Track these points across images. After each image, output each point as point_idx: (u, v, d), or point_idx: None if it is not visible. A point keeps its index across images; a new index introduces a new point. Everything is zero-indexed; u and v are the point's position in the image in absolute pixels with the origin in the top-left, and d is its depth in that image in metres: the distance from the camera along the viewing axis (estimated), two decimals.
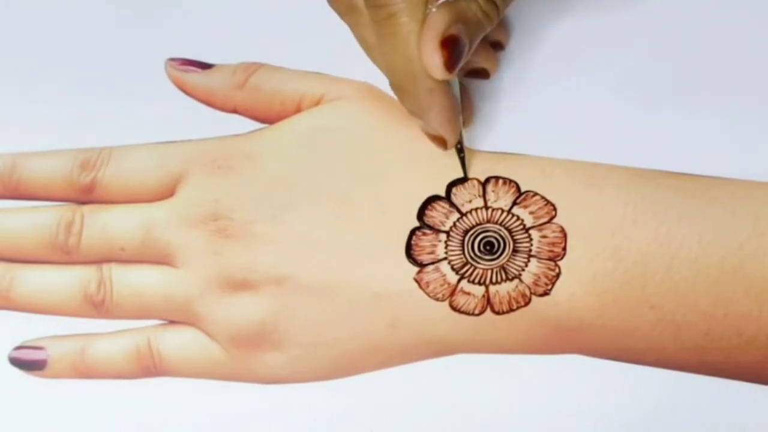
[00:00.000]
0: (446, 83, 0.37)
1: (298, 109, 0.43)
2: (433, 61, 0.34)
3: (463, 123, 0.40)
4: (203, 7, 0.45)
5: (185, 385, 0.42)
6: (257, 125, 0.44)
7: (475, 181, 0.41)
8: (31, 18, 0.46)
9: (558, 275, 0.40)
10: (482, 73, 0.42)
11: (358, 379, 0.42)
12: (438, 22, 0.34)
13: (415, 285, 0.40)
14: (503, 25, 0.43)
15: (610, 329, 0.39)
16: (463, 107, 0.40)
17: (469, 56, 0.36)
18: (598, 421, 0.40)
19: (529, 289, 0.40)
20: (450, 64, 0.35)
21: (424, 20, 0.35)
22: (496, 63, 0.43)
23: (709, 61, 0.41)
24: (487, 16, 0.36)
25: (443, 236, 0.41)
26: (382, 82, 0.40)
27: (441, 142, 0.39)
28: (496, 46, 0.43)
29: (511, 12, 0.43)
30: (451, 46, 0.35)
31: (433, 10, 0.34)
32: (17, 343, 0.43)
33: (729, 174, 0.40)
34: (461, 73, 0.41)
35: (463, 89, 0.40)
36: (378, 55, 0.38)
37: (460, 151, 0.40)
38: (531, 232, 0.40)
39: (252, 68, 0.44)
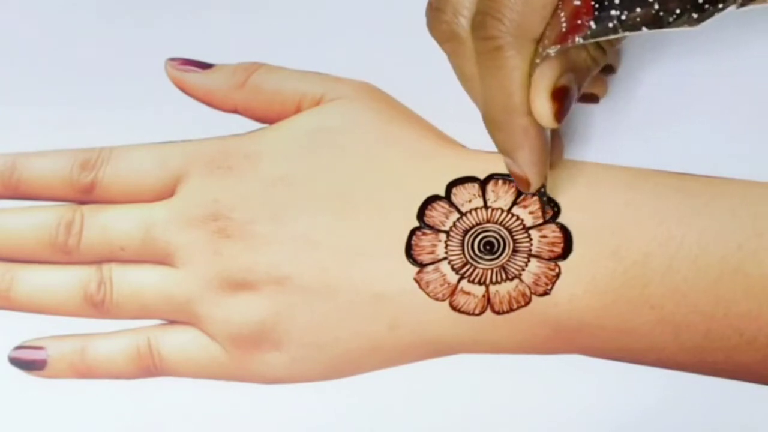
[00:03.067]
0: (540, 125, 0.36)
1: (298, 109, 0.43)
2: (544, 111, 0.34)
3: (549, 166, 0.39)
4: (203, 8, 0.45)
5: (185, 385, 0.42)
6: (257, 125, 0.44)
7: (475, 181, 0.41)
8: (31, 18, 0.46)
9: (558, 275, 0.40)
10: (592, 98, 0.42)
11: (358, 379, 0.41)
12: (550, 71, 0.34)
13: (415, 285, 0.40)
14: (614, 50, 0.41)
15: (610, 329, 0.39)
16: (552, 148, 0.39)
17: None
18: (598, 421, 0.40)
19: (529, 289, 0.40)
20: (560, 114, 0.34)
21: (531, 58, 0.34)
22: (606, 87, 0.42)
23: (709, 61, 0.41)
24: (595, 62, 0.36)
25: (443, 236, 0.41)
26: (382, 82, 0.40)
27: (525, 184, 0.38)
28: (607, 69, 0.42)
29: None
30: (561, 97, 0.34)
31: (548, 52, 0.33)
32: (17, 343, 0.43)
33: (729, 174, 0.40)
34: None
35: (554, 131, 0.39)
36: (476, 87, 0.37)
37: (543, 194, 0.40)
38: (531, 231, 0.40)
39: (252, 68, 0.44)
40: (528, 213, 0.40)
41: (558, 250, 0.40)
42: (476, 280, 0.40)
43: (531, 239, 0.40)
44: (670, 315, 0.39)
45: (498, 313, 0.40)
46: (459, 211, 0.41)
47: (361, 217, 0.41)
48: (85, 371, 0.43)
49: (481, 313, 0.40)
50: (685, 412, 0.40)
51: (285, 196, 0.42)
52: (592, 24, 0.32)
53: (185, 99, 0.44)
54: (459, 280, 0.40)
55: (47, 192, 0.44)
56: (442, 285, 0.40)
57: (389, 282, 0.40)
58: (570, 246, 0.40)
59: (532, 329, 0.40)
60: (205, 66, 0.44)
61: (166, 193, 0.43)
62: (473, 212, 0.41)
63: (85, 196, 0.43)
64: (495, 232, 0.41)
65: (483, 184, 0.41)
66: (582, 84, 0.36)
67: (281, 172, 0.42)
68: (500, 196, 0.41)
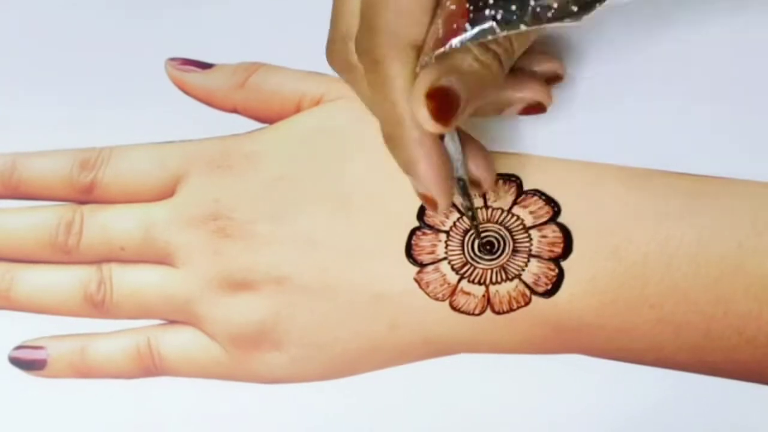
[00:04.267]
0: (437, 136, 0.34)
1: (298, 109, 0.43)
2: (421, 113, 0.32)
3: (479, 187, 0.38)
4: (203, 7, 0.45)
5: (185, 385, 0.42)
6: (257, 125, 0.44)
7: None
8: (31, 18, 0.46)
9: (558, 275, 0.40)
10: (538, 108, 0.40)
11: (358, 379, 0.41)
12: (428, 75, 0.33)
13: (415, 285, 0.40)
14: (554, 56, 0.41)
15: (610, 329, 0.39)
16: (475, 160, 0.37)
17: (473, 110, 0.34)
18: (598, 421, 0.40)
19: (530, 289, 0.40)
20: (440, 116, 0.32)
21: (412, 65, 0.33)
22: (550, 96, 0.40)
23: (709, 61, 0.41)
24: (486, 67, 0.34)
25: (443, 236, 0.41)
26: None
27: (431, 203, 0.36)
28: (554, 79, 0.40)
29: None
30: (439, 98, 0.32)
31: (426, 59, 0.32)
32: (17, 343, 0.43)
33: (729, 174, 0.40)
34: (515, 111, 0.40)
35: (469, 141, 0.38)
36: (374, 108, 0.36)
37: (473, 218, 0.39)
38: (531, 231, 0.40)
39: (252, 68, 0.44)
40: (528, 213, 0.40)
41: (558, 250, 0.40)
42: (476, 280, 0.40)
43: (531, 239, 0.40)
44: (669, 314, 0.39)
45: (498, 313, 0.40)
46: (459, 211, 0.41)
47: (361, 217, 0.41)
48: (85, 371, 0.43)
49: (481, 313, 0.40)
50: (685, 412, 0.40)
51: (285, 195, 0.42)
52: (467, 26, 0.31)
53: (185, 99, 0.44)
54: (459, 280, 0.40)
55: (47, 192, 0.44)
56: (442, 285, 0.40)
57: (389, 282, 0.40)
58: (570, 246, 0.40)
59: (532, 329, 0.40)
60: (205, 66, 0.44)
61: (166, 193, 0.43)
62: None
63: (85, 196, 0.43)
64: (495, 232, 0.41)
65: None
66: (476, 91, 0.33)
67: (281, 171, 0.42)
68: (500, 196, 0.41)
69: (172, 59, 0.45)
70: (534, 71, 0.39)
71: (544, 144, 0.41)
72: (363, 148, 0.42)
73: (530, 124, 0.41)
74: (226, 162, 0.42)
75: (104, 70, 0.45)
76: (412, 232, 0.41)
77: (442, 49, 0.32)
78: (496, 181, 0.41)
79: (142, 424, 0.42)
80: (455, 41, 0.32)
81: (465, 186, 0.37)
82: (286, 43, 0.44)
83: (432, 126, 0.32)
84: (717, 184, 0.40)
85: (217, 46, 0.44)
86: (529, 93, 0.39)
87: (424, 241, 0.41)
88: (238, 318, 0.41)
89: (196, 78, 0.44)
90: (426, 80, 0.33)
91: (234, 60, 0.44)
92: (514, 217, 0.41)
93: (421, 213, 0.41)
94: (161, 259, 0.42)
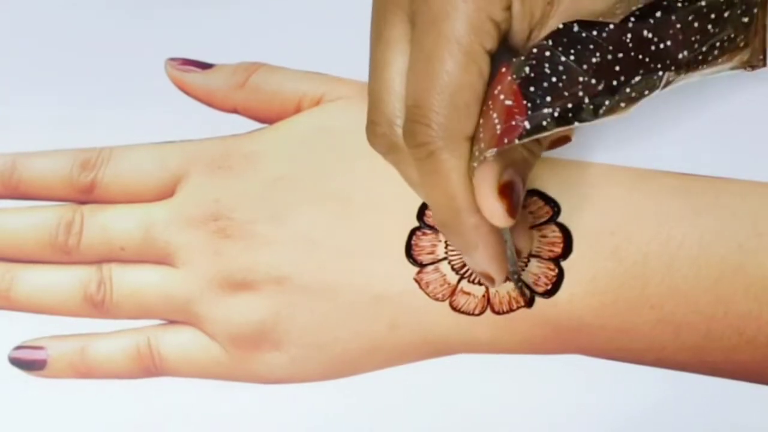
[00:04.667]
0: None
1: (298, 109, 0.43)
2: (497, 211, 0.33)
3: (519, 255, 0.39)
4: (203, 7, 0.45)
5: (185, 385, 0.42)
6: (257, 125, 0.44)
7: None
8: (31, 18, 0.46)
9: (558, 275, 0.40)
10: (563, 141, 0.40)
11: (358, 379, 0.41)
12: (491, 172, 0.33)
13: (415, 285, 0.40)
14: None
15: (610, 329, 0.39)
16: (519, 239, 0.38)
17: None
18: (598, 421, 0.40)
19: (530, 289, 0.40)
20: (512, 210, 0.33)
21: (466, 156, 0.33)
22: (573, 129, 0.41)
23: None
24: (532, 153, 0.35)
25: (443, 236, 0.41)
26: None
27: (489, 279, 0.36)
28: (563, 140, 0.40)
29: None
30: (509, 193, 0.33)
31: (486, 156, 0.33)
32: (17, 343, 0.43)
33: (729, 174, 0.40)
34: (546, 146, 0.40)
35: (521, 229, 0.39)
36: (422, 192, 0.36)
37: (518, 281, 0.39)
38: (531, 231, 0.40)
39: (252, 68, 0.44)
40: (528, 213, 0.40)
41: (558, 250, 0.40)
42: (476, 281, 0.40)
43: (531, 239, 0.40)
44: (669, 315, 0.39)
45: (498, 313, 0.40)
46: None
47: (361, 217, 0.41)
48: (85, 371, 0.43)
49: (481, 313, 0.40)
50: (685, 412, 0.40)
51: (285, 196, 0.42)
52: (526, 124, 0.32)
53: (185, 99, 0.44)
54: (459, 281, 0.40)
55: (47, 192, 0.44)
56: (442, 285, 0.40)
57: (389, 282, 0.40)
58: (570, 246, 0.40)
59: (532, 329, 0.40)
60: (205, 66, 0.44)
61: (166, 193, 0.43)
62: None
63: (85, 196, 0.43)
64: None
65: None
66: (526, 178, 0.35)
67: (281, 172, 0.42)
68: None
69: (172, 59, 0.45)
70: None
71: None
72: (363, 148, 0.41)
73: None
74: (226, 162, 0.42)
75: (104, 70, 0.45)
76: (412, 232, 0.41)
77: (504, 147, 0.32)
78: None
79: (142, 424, 0.42)
80: (516, 140, 0.32)
81: (512, 256, 0.38)
82: (286, 43, 0.44)
83: (506, 221, 0.33)
84: (717, 184, 0.40)
85: (217, 46, 0.44)
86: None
87: (424, 241, 0.41)
88: (238, 318, 0.41)
89: (196, 78, 0.44)
90: (491, 177, 0.33)
91: (234, 60, 0.44)
92: None
93: (421, 213, 0.41)
94: (161, 259, 0.42)
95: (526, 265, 0.40)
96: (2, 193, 0.44)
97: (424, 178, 0.34)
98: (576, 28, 0.32)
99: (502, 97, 0.32)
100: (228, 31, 0.45)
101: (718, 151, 0.40)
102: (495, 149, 0.32)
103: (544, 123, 0.32)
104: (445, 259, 0.41)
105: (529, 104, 0.32)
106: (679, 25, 0.32)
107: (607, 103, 0.32)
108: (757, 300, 0.38)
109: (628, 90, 0.32)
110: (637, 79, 0.32)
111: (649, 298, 0.39)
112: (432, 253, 0.41)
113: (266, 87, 0.44)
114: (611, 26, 0.32)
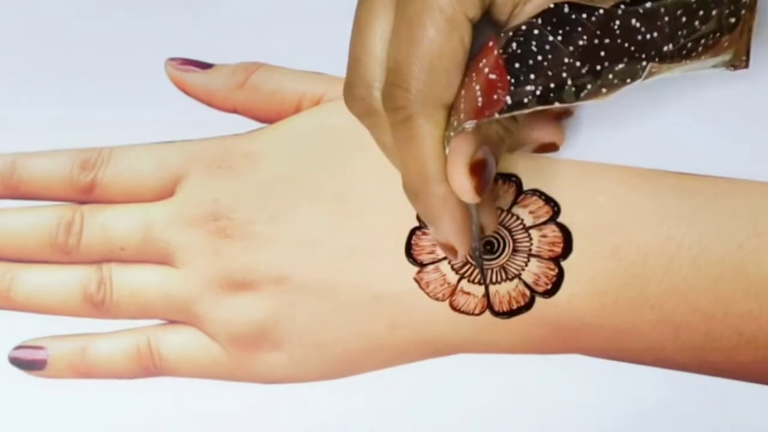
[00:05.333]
0: None
1: (297, 109, 0.43)
2: (465, 186, 0.33)
3: (483, 231, 0.38)
4: (203, 7, 0.45)
5: (185, 385, 0.42)
6: (257, 125, 0.44)
7: None
8: (31, 18, 0.46)
9: (558, 275, 0.40)
10: (550, 147, 0.40)
11: (358, 379, 0.41)
12: (466, 146, 0.33)
13: (415, 285, 0.40)
14: None
15: (610, 329, 0.39)
16: (486, 215, 0.38)
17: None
18: (598, 421, 0.40)
19: (530, 288, 0.40)
20: (480, 188, 0.33)
21: (442, 124, 0.33)
22: (563, 135, 0.40)
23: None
24: (508, 132, 0.35)
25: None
26: None
27: (451, 251, 0.36)
28: (565, 113, 0.41)
29: None
30: (480, 171, 0.33)
31: (464, 127, 0.32)
32: (17, 343, 0.43)
33: (729, 174, 0.40)
34: (528, 150, 0.40)
35: (488, 206, 0.38)
36: (394, 158, 0.36)
37: (478, 258, 0.39)
38: (531, 231, 0.40)
39: (252, 68, 0.44)
40: (528, 213, 0.40)
41: (558, 249, 0.40)
42: (476, 280, 0.40)
43: (531, 239, 0.40)
44: (669, 315, 0.39)
45: (498, 313, 0.40)
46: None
47: (361, 217, 0.41)
48: (85, 371, 0.43)
49: (481, 313, 0.40)
50: (685, 412, 0.40)
51: (285, 196, 0.42)
52: (508, 99, 0.32)
53: (185, 99, 0.44)
54: (459, 280, 0.40)
55: (47, 192, 0.44)
56: (442, 285, 0.40)
57: (389, 282, 0.40)
58: (570, 246, 0.40)
59: (532, 329, 0.40)
60: (205, 66, 0.44)
61: (166, 193, 0.43)
62: None
63: (85, 196, 0.43)
64: (495, 231, 0.41)
65: None
66: (498, 157, 0.35)
67: (281, 171, 0.42)
68: (500, 196, 0.41)
69: (172, 59, 0.45)
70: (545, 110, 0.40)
71: None
72: (363, 147, 0.41)
73: None
74: (226, 162, 0.42)
75: (104, 70, 0.45)
76: (412, 232, 0.41)
77: (483, 120, 0.32)
78: (496, 181, 0.41)
79: (142, 424, 0.42)
80: (495, 113, 0.32)
81: (476, 232, 0.38)
82: (286, 43, 0.44)
83: (473, 198, 0.33)
84: (717, 184, 0.40)
85: (217, 46, 0.44)
86: (543, 134, 0.39)
87: (424, 240, 0.41)
88: (238, 318, 0.41)
89: (196, 78, 0.44)
90: (466, 151, 0.33)
91: (234, 60, 0.44)
92: (514, 217, 0.41)
93: None
94: (161, 259, 0.42)
95: (526, 265, 0.40)
96: (2, 193, 0.44)
97: (398, 143, 0.34)
98: (566, 9, 0.32)
99: (486, 70, 0.32)
100: (228, 31, 0.45)
101: (717, 151, 0.40)
102: (474, 121, 0.32)
103: (526, 100, 0.32)
104: (445, 258, 0.41)
105: (512, 80, 0.32)
106: (667, 18, 0.32)
107: (589, 86, 0.32)
108: (757, 300, 0.38)
109: (610, 76, 0.32)
110: (621, 66, 0.32)
111: (649, 298, 0.39)
112: (432, 252, 0.41)
113: (266, 87, 0.44)
114: (601, 11, 0.32)
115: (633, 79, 0.32)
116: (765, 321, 0.38)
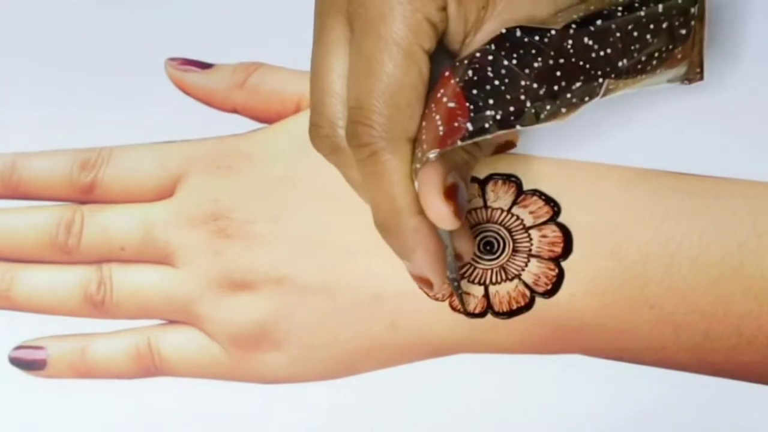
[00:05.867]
0: (431, 223, 0.34)
1: (297, 109, 0.43)
2: (444, 213, 0.33)
3: (461, 259, 0.38)
4: (203, 7, 0.45)
5: (185, 385, 0.42)
6: (257, 125, 0.44)
7: (475, 181, 0.41)
8: (31, 18, 0.46)
9: (558, 275, 0.40)
10: (508, 146, 0.40)
11: (358, 379, 0.41)
12: (435, 174, 0.33)
13: (415, 285, 0.40)
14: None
15: (610, 329, 0.39)
16: (461, 240, 0.38)
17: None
18: (598, 421, 0.40)
19: (530, 288, 0.40)
20: (458, 212, 0.33)
21: (408, 157, 0.33)
22: (517, 133, 0.40)
23: (709, 60, 0.41)
24: (472, 156, 0.35)
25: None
26: None
27: (427, 284, 0.36)
28: (507, 146, 0.41)
29: None
30: (454, 195, 0.33)
31: (428, 156, 0.32)
32: (17, 343, 0.43)
33: (729, 174, 0.40)
34: (487, 154, 0.39)
35: (463, 233, 0.38)
36: (363, 194, 0.36)
37: (458, 288, 0.39)
38: (531, 231, 0.40)
39: (252, 68, 0.44)
40: (528, 213, 0.40)
41: (558, 250, 0.40)
42: (476, 280, 0.40)
43: (531, 239, 0.40)
44: (669, 315, 0.39)
45: (498, 313, 0.40)
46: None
47: (361, 217, 0.41)
48: (85, 371, 0.43)
49: (481, 313, 0.40)
50: (685, 412, 0.40)
51: (285, 196, 0.42)
52: (469, 126, 0.32)
53: (185, 99, 0.44)
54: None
55: (47, 192, 0.44)
56: None
57: (389, 282, 0.40)
58: (570, 246, 0.40)
59: (532, 329, 0.40)
60: (205, 66, 0.44)
61: (166, 193, 0.43)
62: (473, 212, 0.41)
63: (85, 196, 0.43)
64: (495, 232, 0.41)
65: (482, 184, 0.41)
66: (467, 179, 0.35)
67: (281, 171, 0.42)
68: (500, 196, 0.41)
69: (172, 59, 0.45)
70: None
71: (544, 144, 0.41)
72: None
73: None
74: (225, 162, 0.42)
75: (104, 70, 0.45)
76: None
77: (446, 148, 0.32)
78: (496, 182, 0.41)
79: (142, 424, 0.42)
80: (457, 140, 0.32)
81: (452, 262, 0.38)
82: (286, 43, 0.44)
83: (454, 223, 0.33)
84: (717, 184, 0.40)
85: (217, 46, 0.44)
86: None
87: None
88: (238, 318, 0.41)
89: (196, 78, 0.44)
90: (436, 179, 0.33)
91: (234, 60, 0.44)
92: (514, 217, 0.41)
93: None
94: (161, 259, 0.42)
95: (526, 265, 0.40)
96: (2, 193, 0.44)
97: (365, 179, 0.34)
98: (519, 33, 0.32)
99: (445, 99, 0.33)
100: (228, 31, 0.45)
101: (717, 151, 0.40)
102: (437, 150, 0.32)
103: (487, 125, 0.32)
104: None
105: (471, 106, 0.32)
106: (618, 34, 0.33)
107: (548, 107, 0.32)
108: (757, 300, 0.38)
109: (568, 95, 0.32)
110: (578, 84, 0.32)
111: (649, 298, 0.39)
112: None
113: (266, 87, 0.44)
114: (553, 32, 0.32)
115: (591, 97, 0.33)
116: (765, 321, 0.38)
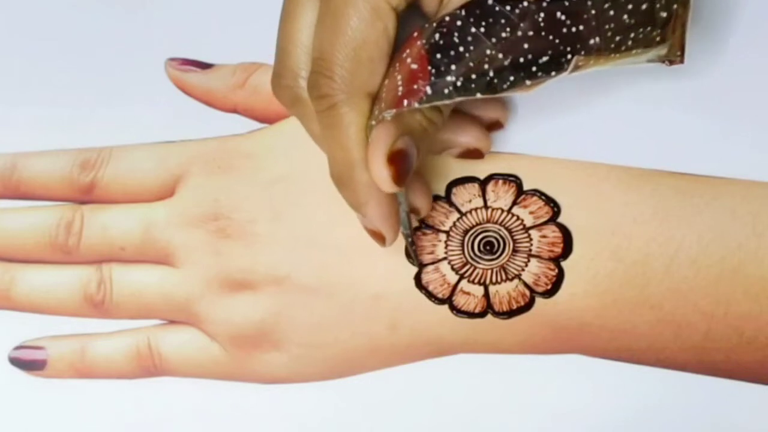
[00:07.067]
0: None
1: None
2: (382, 175, 0.33)
3: (418, 214, 0.38)
4: (203, 7, 0.45)
5: (185, 385, 0.42)
6: (257, 125, 0.44)
7: (475, 181, 0.41)
8: (30, 18, 0.46)
9: (558, 275, 0.40)
10: (475, 154, 0.40)
11: (358, 379, 0.41)
12: (386, 135, 0.33)
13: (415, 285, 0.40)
14: (501, 101, 0.40)
15: (610, 329, 0.39)
16: (417, 194, 0.38)
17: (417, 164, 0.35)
18: (598, 421, 0.40)
19: (530, 288, 0.40)
20: (398, 177, 0.33)
21: (366, 112, 0.33)
22: (489, 142, 0.40)
23: (709, 60, 0.41)
24: (431, 123, 0.35)
25: (443, 236, 0.41)
26: None
27: (379, 238, 0.36)
28: (495, 125, 0.41)
29: None
30: (399, 161, 0.33)
31: (384, 116, 0.33)
32: (17, 343, 0.43)
33: (729, 174, 0.40)
34: (453, 154, 0.40)
35: (418, 175, 0.38)
36: (322, 145, 0.36)
37: (412, 243, 0.39)
38: (531, 231, 0.40)
39: (252, 68, 0.44)
40: (528, 213, 0.40)
41: (558, 250, 0.40)
42: (476, 280, 0.40)
43: (531, 239, 0.40)
44: (669, 315, 0.39)
45: (498, 313, 0.40)
46: (459, 211, 0.41)
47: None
48: (85, 371, 0.43)
49: (481, 313, 0.40)
50: (684, 412, 0.40)
51: (285, 195, 0.42)
52: (428, 89, 0.32)
53: (185, 99, 0.44)
54: (459, 280, 0.40)
55: (47, 192, 0.44)
56: (442, 285, 0.40)
57: (389, 282, 0.40)
58: (570, 246, 0.40)
59: (532, 329, 0.40)
60: (205, 66, 0.44)
61: (166, 193, 0.43)
62: (473, 212, 0.41)
63: (85, 196, 0.43)
64: (495, 232, 0.41)
65: (483, 184, 0.41)
66: (420, 146, 0.34)
67: (281, 171, 0.42)
68: (500, 196, 0.41)
69: (172, 59, 0.44)
70: (475, 115, 0.39)
71: (544, 144, 0.41)
72: None
73: (530, 124, 0.41)
74: (226, 162, 0.42)
75: (104, 70, 0.45)
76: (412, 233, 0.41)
77: (402, 109, 0.32)
78: (496, 182, 0.41)
79: (142, 424, 0.42)
80: (414, 102, 0.32)
81: (407, 216, 0.38)
82: None
83: (391, 187, 0.33)
84: (717, 184, 0.40)
85: (217, 46, 0.44)
86: (468, 139, 0.39)
87: (424, 241, 0.41)
88: (237, 318, 0.41)
89: (196, 78, 0.44)
90: (385, 141, 0.33)
91: (234, 60, 0.44)
92: (514, 217, 0.41)
93: None
94: (161, 259, 0.42)
95: (526, 266, 0.40)
96: (2, 193, 0.44)
97: (324, 131, 0.34)
98: (490, 1, 0.32)
99: (409, 60, 0.32)
100: (228, 31, 0.45)
101: (717, 150, 0.40)
102: (394, 110, 0.32)
103: (446, 91, 0.32)
104: (445, 259, 0.41)
105: (433, 70, 0.32)
106: (594, 11, 0.32)
107: (511, 78, 0.32)
108: (757, 300, 0.38)
109: (534, 69, 0.32)
110: (545, 59, 0.32)
111: (649, 298, 0.39)
112: (432, 253, 0.41)
113: (266, 87, 0.43)
114: (525, 3, 0.32)
115: (558, 72, 0.32)
116: (765, 321, 0.38)
